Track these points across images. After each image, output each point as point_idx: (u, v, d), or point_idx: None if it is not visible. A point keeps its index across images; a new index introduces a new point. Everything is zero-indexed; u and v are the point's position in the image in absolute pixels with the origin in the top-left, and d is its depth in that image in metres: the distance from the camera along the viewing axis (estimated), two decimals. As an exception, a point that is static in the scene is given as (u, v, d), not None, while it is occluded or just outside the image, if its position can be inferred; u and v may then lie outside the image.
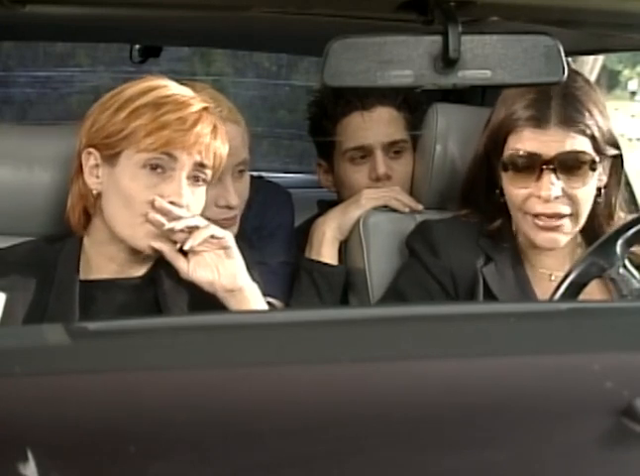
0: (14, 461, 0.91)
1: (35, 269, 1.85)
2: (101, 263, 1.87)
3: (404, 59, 1.51)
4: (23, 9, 1.97)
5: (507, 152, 2.04)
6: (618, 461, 0.99)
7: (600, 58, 11.56)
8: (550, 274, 2.09)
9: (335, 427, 0.99)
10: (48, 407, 1.00)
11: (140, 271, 1.89)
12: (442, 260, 2.08)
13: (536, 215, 2.02)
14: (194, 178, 1.83)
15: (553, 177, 1.99)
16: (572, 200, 2.01)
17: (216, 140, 1.84)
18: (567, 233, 2.03)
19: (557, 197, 1.99)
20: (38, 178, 2.00)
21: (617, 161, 2.10)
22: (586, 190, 2.03)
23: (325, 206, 2.43)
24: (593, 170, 2.02)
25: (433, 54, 1.51)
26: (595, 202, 2.07)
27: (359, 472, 0.95)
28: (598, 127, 2.02)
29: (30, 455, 0.91)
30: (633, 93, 16.48)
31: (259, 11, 1.99)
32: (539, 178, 2.00)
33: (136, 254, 1.86)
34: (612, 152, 2.06)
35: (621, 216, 2.12)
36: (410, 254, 2.17)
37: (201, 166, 1.82)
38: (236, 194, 2.13)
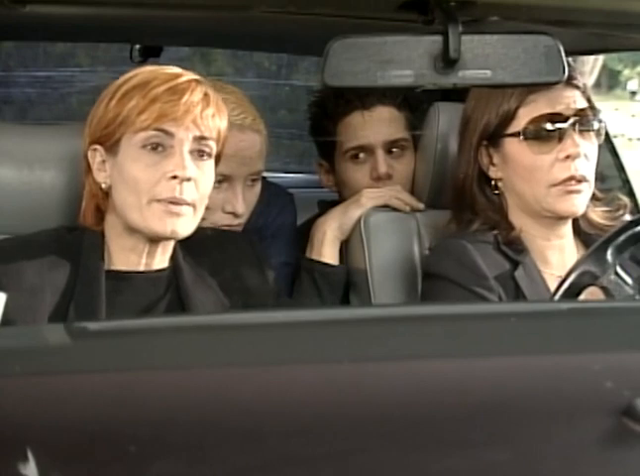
0: (14, 461, 0.91)
1: (61, 255, 1.85)
2: (122, 255, 1.88)
3: (404, 58, 1.51)
4: (23, 9, 1.97)
5: (524, 121, 2.05)
6: (618, 461, 0.99)
7: (600, 57, 11.58)
8: (559, 275, 2.09)
9: (335, 427, 0.99)
10: (48, 407, 1.00)
11: (160, 263, 1.89)
12: (488, 280, 2.02)
13: (561, 182, 2.03)
14: (198, 153, 1.83)
15: (576, 135, 2.03)
16: (589, 162, 2.04)
17: (208, 107, 1.82)
18: (585, 198, 2.05)
19: (584, 155, 2.02)
20: (38, 178, 2.00)
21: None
22: (596, 152, 2.07)
23: (326, 206, 2.43)
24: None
25: (433, 53, 1.51)
26: None
27: (359, 472, 0.95)
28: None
29: (30, 455, 0.91)
30: (633, 93, 16.50)
31: (259, 11, 1.99)
32: (561, 139, 2.03)
33: (153, 244, 1.86)
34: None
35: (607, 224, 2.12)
36: (444, 279, 2.06)
37: (202, 138, 1.82)
38: (244, 203, 2.12)
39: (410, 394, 1.05)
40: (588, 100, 2.07)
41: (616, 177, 2.80)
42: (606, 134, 2.60)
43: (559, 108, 2.03)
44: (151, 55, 3.14)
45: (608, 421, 1.00)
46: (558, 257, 2.10)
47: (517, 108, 2.05)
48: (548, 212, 2.06)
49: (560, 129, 2.03)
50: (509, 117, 2.06)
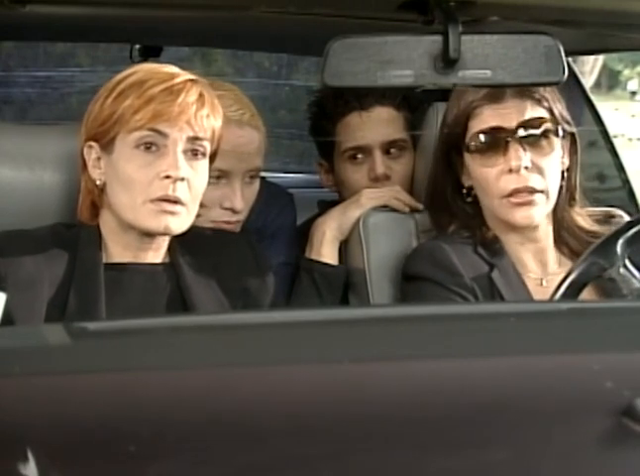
0: (14, 461, 0.91)
1: (58, 248, 1.86)
2: (117, 250, 1.88)
3: (404, 58, 1.51)
4: (23, 9, 1.97)
5: (470, 134, 2.04)
6: (618, 461, 0.99)
7: (600, 58, 11.58)
8: (539, 278, 2.09)
9: (335, 427, 0.99)
10: (48, 407, 1.00)
11: (155, 258, 1.90)
12: (463, 277, 2.04)
13: (510, 194, 2.01)
14: (192, 152, 1.83)
15: (519, 147, 2.00)
16: (541, 173, 2.01)
17: (203, 108, 1.82)
18: (540, 209, 2.02)
19: (527, 168, 1.99)
20: (38, 178, 2.00)
21: (574, 143, 2.10)
22: (553, 162, 2.03)
23: (325, 206, 2.43)
24: (557, 136, 2.02)
25: (433, 54, 1.51)
26: (559, 186, 2.07)
27: (359, 472, 0.95)
28: (554, 101, 2.04)
29: (30, 455, 0.91)
30: (633, 93, 16.49)
31: (259, 11, 1.99)
32: (506, 151, 2.00)
33: (147, 240, 1.86)
34: (570, 129, 2.07)
35: (587, 227, 2.09)
36: (423, 279, 2.08)
37: (196, 139, 1.82)
38: (242, 199, 2.12)
39: (410, 394, 1.05)
40: (549, 109, 2.03)
41: (616, 176, 2.80)
42: (606, 134, 2.59)
43: (499, 121, 2.01)
44: (151, 55, 3.15)
45: (608, 421, 1.00)
46: (536, 260, 2.09)
47: (467, 121, 2.05)
48: (506, 221, 2.06)
49: (504, 141, 2.00)
50: (463, 129, 2.06)
